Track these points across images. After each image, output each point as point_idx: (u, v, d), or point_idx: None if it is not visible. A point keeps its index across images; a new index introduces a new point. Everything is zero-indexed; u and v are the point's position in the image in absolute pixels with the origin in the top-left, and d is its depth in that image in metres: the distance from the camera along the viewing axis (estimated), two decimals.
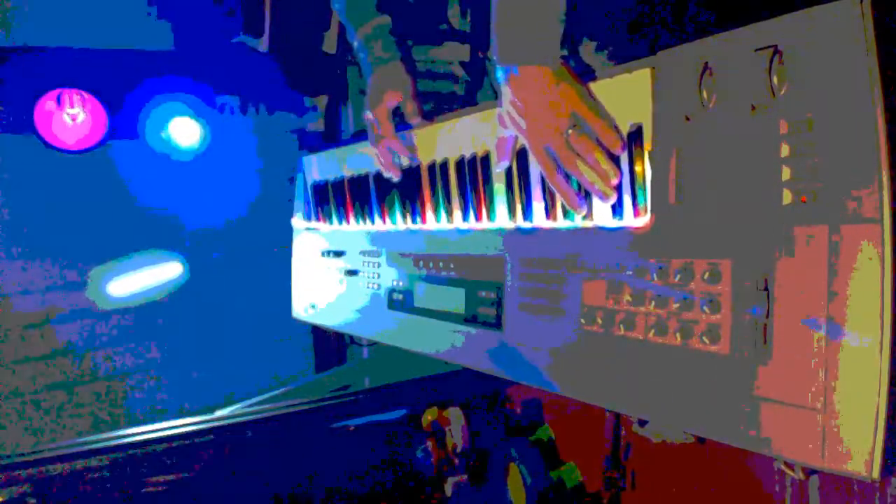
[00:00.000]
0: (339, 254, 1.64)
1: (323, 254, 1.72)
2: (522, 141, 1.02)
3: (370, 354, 3.11)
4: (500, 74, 1.00)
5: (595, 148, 0.93)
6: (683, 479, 1.55)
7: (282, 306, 1.96)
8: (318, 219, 1.76)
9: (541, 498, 1.85)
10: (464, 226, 1.23)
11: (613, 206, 0.94)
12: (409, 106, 1.36)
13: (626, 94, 0.92)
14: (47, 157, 2.84)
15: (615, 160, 0.93)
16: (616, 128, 0.93)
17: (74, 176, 3.12)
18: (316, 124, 3.49)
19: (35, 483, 1.64)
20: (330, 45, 3.20)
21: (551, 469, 1.90)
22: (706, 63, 0.81)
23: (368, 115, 1.41)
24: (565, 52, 0.98)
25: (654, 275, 0.86)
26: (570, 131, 0.94)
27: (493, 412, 2.13)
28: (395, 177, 1.40)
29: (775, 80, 0.73)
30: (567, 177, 0.98)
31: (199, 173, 3.28)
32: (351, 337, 1.77)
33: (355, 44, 1.48)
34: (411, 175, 1.37)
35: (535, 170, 1.07)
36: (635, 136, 0.91)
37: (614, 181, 0.93)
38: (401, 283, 1.39)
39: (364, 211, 1.54)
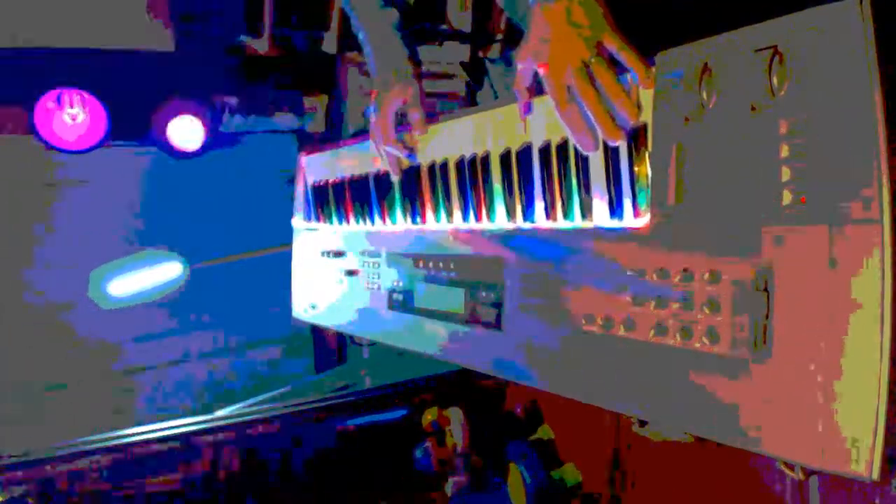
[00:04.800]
0: (339, 254, 1.64)
1: (323, 254, 1.72)
2: (540, 73, 0.97)
3: (370, 354, 3.11)
4: (531, 12, 0.97)
5: (615, 80, 0.90)
6: (683, 479, 1.55)
7: (282, 306, 1.96)
8: (318, 219, 1.76)
9: (541, 498, 1.85)
10: (464, 226, 1.23)
11: (613, 207, 0.94)
12: (415, 115, 1.35)
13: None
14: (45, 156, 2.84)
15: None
16: (647, 63, 0.90)
17: (74, 176, 3.12)
18: (316, 124, 3.50)
19: (35, 483, 1.64)
20: (330, 45, 3.20)
21: (551, 469, 1.90)
22: (706, 63, 0.81)
23: (371, 116, 1.41)
24: None
25: (654, 275, 0.86)
26: (593, 60, 0.91)
27: (493, 412, 2.13)
28: (395, 176, 1.39)
29: (775, 80, 0.73)
30: (579, 113, 0.94)
31: (198, 173, 3.28)
32: (351, 337, 1.77)
33: (360, 35, 1.46)
34: (411, 175, 1.37)
35: (535, 169, 1.07)
36: (635, 136, 0.91)
37: (631, 116, 0.90)
38: (401, 284, 1.39)
39: (364, 211, 1.54)
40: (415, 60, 1.41)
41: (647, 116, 0.89)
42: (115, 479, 1.73)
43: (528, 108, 1.07)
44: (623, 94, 0.90)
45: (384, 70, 1.40)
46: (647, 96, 0.89)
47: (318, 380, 3.36)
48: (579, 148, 0.97)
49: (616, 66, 0.92)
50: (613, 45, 0.91)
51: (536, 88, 1.02)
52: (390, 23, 1.40)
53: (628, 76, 0.92)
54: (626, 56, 0.91)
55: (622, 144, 0.93)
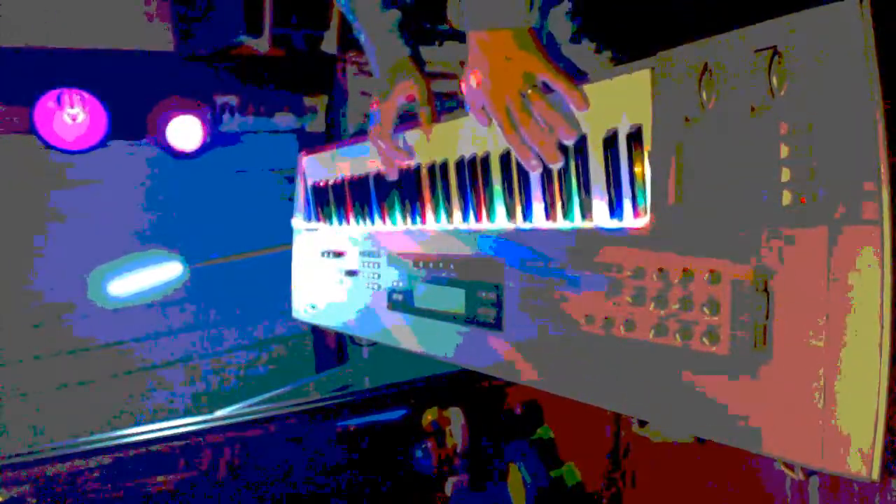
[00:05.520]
0: (339, 254, 1.64)
1: (323, 254, 1.72)
2: (484, 102, 1.05)
3: (370, 354, 3.11)
4: (469, 37, 1.05)
5: (548, 107, 0.98)
6: (683, 479, 1.55)
7: (281, 306, 1.97)
8: (318, 219, 1.76)
9: (541, 498, 1.85)
10: (464, 226, 1.23)
11: (613, 207, 0.94)
12: (423, 112, 1.35)
13: (626, 94, 0.92)
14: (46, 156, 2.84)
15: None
16: (580, 88, 0.97)
17: (74, 176, 3.12)
18: (316, 124, 3.50)
19: (35, 483, 1.64)
20: (330, 45, 3.20)
21: (551, 469, 1.90)
22: (706, 63, 0.81)
23: (374, 108, 1.40)
24: (536, 23, 1.02)
25: (654, 276, 0.86)
26: (529, 91, 0.98)
27: (493, 412, 2.13)
28: (392, 175, 1.39)
29: (775, 80, 0.73)
30: (521, 138, 1.02)
31: (198, 173, 3.28)
32: (351, 337, 1.77)
33: (361, 38, 1.46)
34: (411, 175, 1.37)
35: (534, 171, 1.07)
36: (635, 137, 0.91)
37: (567, 137, 0.98)
38: (401, 284, 1.39)
39: (364, 211, 1.54)
40: (418, 60, 1.41)
41: (647, 117, 0.89)
42: (115, 479, 1.73)
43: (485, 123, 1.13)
44: (559, 119, 0.98)
45: (387, 70, 1.40)
46: (646, 97, 0.89)
47: (318, 380, 3.36)
48: (524, 167, 1.05)
49: (552, 91, 0.99)
50: (546, 75, 0.99)
51: None
52: (391, 23, 1.40)
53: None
54: (559, 85, 0.98)
55: (621, 145, 0.93)
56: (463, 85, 1.09)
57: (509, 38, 1.00)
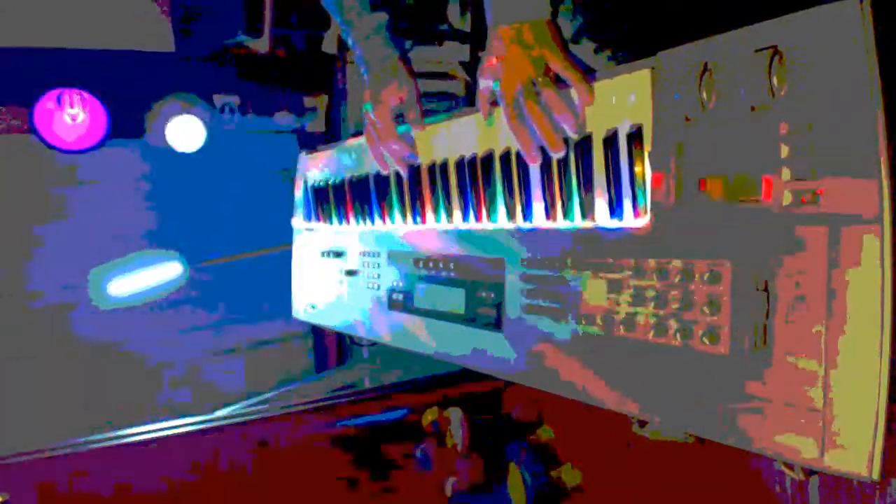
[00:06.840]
0: (338, 254, 1.64)
1: (323, 254, 1.72)
2: (495, 89, 1.06)
3: (370, 354, 3.11)
4: (489, 31, 1.07)
5: (558, 97, 0.98)
6: (683, 479, 1.55)
7: (282, 306, 1.96)
8: (317, 219, 1.76)
9: (541, 498, 1.85)
10: (464, 226, 1.23)
11: (613, 207, 0.94)
12: (411, 113, 1.36)
13: (626, 94, 0.92)
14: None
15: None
16: (589, 81, 0.97)
17: (74, 176, 3.13)
18: (316, 124, 3.50)
19: (35, 483, 1.64)
20: (330, 45, 3.20)
21: (551, 469, 1.90)
22: (706, 63, 0.81)
23: (369, 114, 1.40)
24: (548, 16, 1.04)
25: (654, 275, 0.86)
26: (540, 79, 0.99)
27: (493, 412, 2.13)
28: (403, 172, 1.39)
29: (775, 80, 0.73)
30: (526, 127, 1.03)
31: (198, 173, 3.28)
32: (351, 337, 1.77)
33: (350, 41, 1.47)
34: (411, 175, 1.37)
35: (534, 170, 1.07)
36: (635, 137, 0.91)
37: (572, 129, 0.98)
38: (401, 284, 1.39)
39: (364, 211, 1.54)
40: (406, 60, 1.42)
41: (647, 117, 0.89)
42: (115, 479, 1.73)
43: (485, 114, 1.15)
44: (565, 108, 0.98)
45: (376, 71, 1.40)
46: (646, 97, 0.89)
47: (318, 380, 3.36)
48: (524, 158, 1.05)
49: (563, 83, 1.00)
50: (558, 65, 0.99)
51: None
52: (378, 25, 1.40)
53: (572, 91, 0.99)
54: (569, 76, 0.99)
55: (622, 145, 0.93)
56: (479, 79, 1.10)
57: (528, 29, 1.01)
